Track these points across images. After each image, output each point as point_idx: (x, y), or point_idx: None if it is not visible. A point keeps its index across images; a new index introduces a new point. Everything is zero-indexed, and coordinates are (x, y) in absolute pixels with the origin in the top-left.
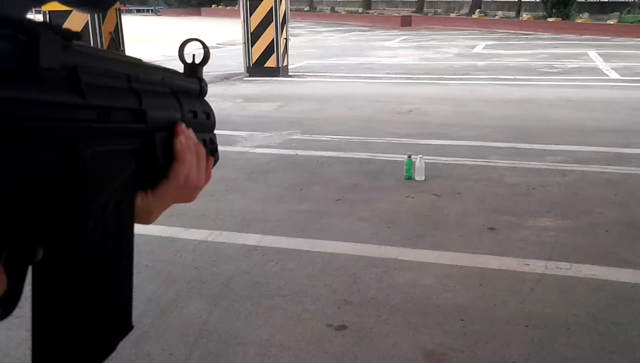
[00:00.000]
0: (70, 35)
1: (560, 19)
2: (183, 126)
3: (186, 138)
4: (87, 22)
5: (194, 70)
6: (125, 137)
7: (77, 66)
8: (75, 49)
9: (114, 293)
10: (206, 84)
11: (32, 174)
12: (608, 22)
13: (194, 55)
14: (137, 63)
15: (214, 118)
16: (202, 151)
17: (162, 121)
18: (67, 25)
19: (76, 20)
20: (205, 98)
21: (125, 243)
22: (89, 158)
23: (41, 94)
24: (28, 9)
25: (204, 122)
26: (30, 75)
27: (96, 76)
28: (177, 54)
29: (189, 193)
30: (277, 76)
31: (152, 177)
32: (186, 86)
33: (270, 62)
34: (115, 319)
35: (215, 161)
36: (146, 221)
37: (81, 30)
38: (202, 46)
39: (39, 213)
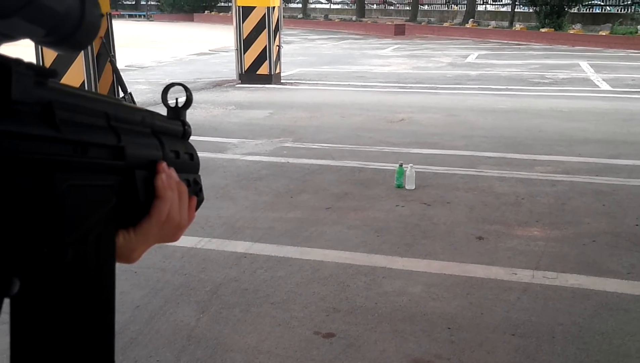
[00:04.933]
0: (45, 72)
1: (553, 29)
2: (164, 164)
3: (167, 176)
4: None
5: (177, 113)
6: (103, 173)
7: (52, 102)
8: (51, 86)
9: (93, 328)
10: (190, 127)
11: (7, 205)
12: (600, 33)
13: (177, 98)
14: (115, 103)
15: (198, 159)
16: (184, 189)
17: (142, 158)
18: None
19: None
20: (197, 106)
21: (106, 279)
22: (66, 191)
23: (14, 127)
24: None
25: (187, 162)
26: (3, 108)
27: (72, 113)
28: (167, 59)
29: (171, 232)
30: (269, 83)
31: (134, 214)
32: (168, 127)
33: (263, 70)
34: (95, 356)
35: (200, 202)
36: (129, 259)
37: None
38: (184, 90)
39: (14, 244)
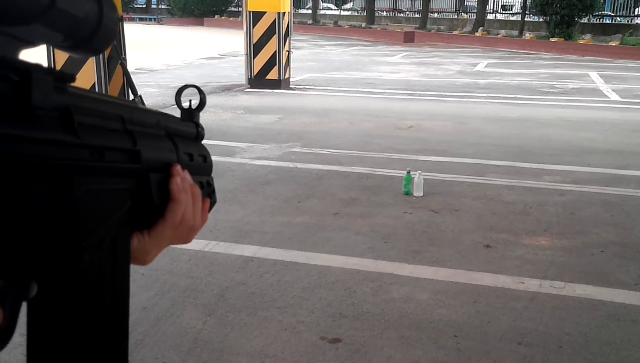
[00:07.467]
0: (64, 77)
1: (563, 39)
2: (178, 167)
3: (182, 179)
4: None
5: (190, 115)
6: (119, 176)
7: (70, 106)
8: (69, 90)
9: (108, 330)
10: (203, 129)
11: (26, 210)
12: (610, 43)
13: (190, 100)
14: (131, 106)
15: (211, 161)
16: (198, 192)
17: (157, 161)
18: None
19: None
20: (206, 110)
21: (120, 282)
22: (83, 196)
23: (34, 132)
24: (20, 49)
25: (201, 165)
26: (23, 114)
27: (90, 117)
28: (177, 63)
29: (185, 234)
30: (279, 88)
31: (148, 217)
32: (182, 130)
33: (272, 75)
34: (109, 358)
35: (213, 204)
36: (143, 261)
37: None
38: (198, 92)
39: (33, 248)
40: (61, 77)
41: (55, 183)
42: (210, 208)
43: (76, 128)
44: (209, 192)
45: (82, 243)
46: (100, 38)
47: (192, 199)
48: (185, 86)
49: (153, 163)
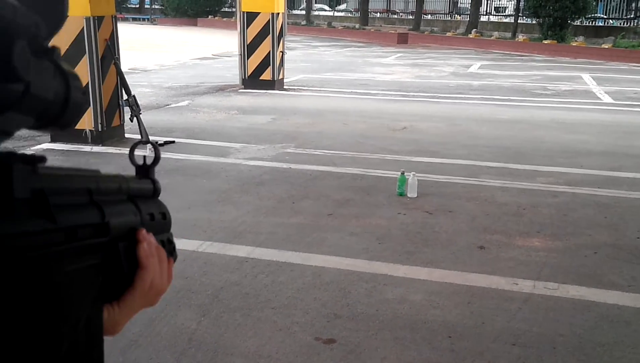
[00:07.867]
0: (36, 159)
1: (556, 41)
2: (144, 231)
3: (148, 244)
4: (83, 28)
5: (145, 171)
6: (90, 253)
7: (44, 189)
8: (41, 172)
9: None
10: (159, 185)
11: (8, 305)
12: (603, 46)
13: (144, 156)
14: (95, 176)
15: (170, 217)
16: (164, 254)
17: (123, 228)
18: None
19: (70, 27)
20: (200, 110)
21: (96, 355)
22: (61, 281)
23: (17, 226)
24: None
25: (161, 223)
26: (5, 208)
27: (61, 196)
28: (170, 63)
29: (152, 298)
30: (272, 89)
31: (117, 287)
32: (141, 188)
33: (266, 75)
34: None
35: (174, 260)
36: (112, 332)
37: (76, 36)
38: (152, 148)
39: (20, 344)
40: (34, 161)
41: (34, 272)
42: (172, 264)
43: (52, 213)
44: (170, 250)
45: (62, 329)
46: (69, 115)
47: (159, 262)
48: (139, 142)
49: (120, 230)
